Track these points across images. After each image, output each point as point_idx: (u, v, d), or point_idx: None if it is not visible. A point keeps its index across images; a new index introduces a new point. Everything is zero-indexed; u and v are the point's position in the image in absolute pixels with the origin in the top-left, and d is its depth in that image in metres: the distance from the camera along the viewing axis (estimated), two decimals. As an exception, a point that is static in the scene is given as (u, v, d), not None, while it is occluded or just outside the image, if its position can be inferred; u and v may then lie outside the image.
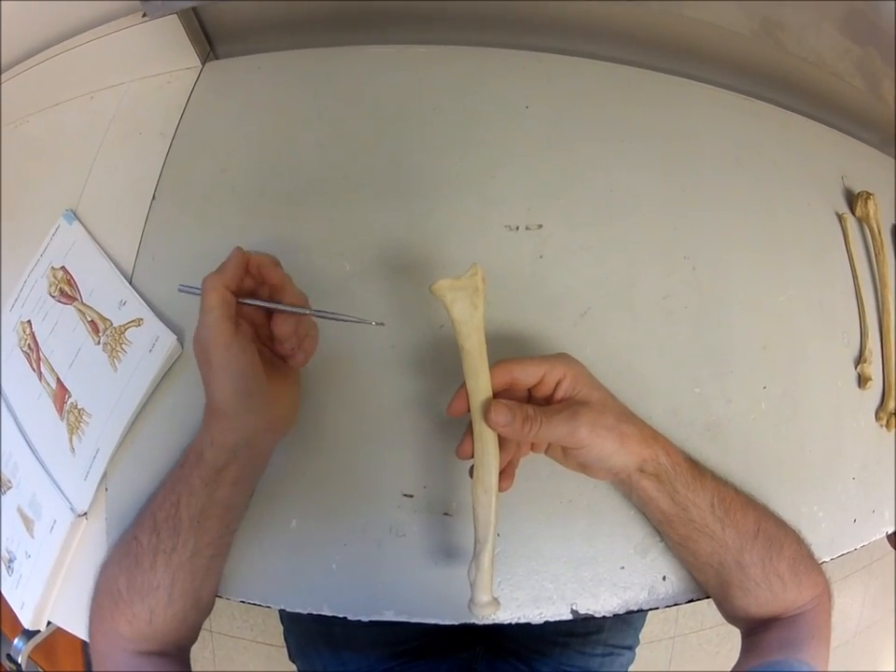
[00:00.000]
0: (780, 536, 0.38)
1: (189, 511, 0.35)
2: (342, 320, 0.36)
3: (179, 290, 0.35)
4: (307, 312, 0.35)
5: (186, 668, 0.38)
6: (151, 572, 0.35)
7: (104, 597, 0.37)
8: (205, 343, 0.33)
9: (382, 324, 0.36)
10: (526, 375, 0.35)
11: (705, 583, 0.40)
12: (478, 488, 0.34)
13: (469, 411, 0.34)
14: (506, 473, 0.36)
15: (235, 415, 0.34)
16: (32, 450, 0.45)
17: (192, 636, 0.39)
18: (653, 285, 0.45)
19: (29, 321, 0.47)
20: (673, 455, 0.37)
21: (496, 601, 0.34)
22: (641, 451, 0.35)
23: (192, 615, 0.38)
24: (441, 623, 0.39)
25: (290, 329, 0.35)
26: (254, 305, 0.35)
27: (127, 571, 0.36)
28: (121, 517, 0.41)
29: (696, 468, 0.37)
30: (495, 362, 0.35)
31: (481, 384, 0.34)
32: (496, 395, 0.34)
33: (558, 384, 0.35)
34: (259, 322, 0.36)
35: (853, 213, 0.52)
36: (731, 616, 0.41)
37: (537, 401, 0.36)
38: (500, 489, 0.35)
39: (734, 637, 0.42)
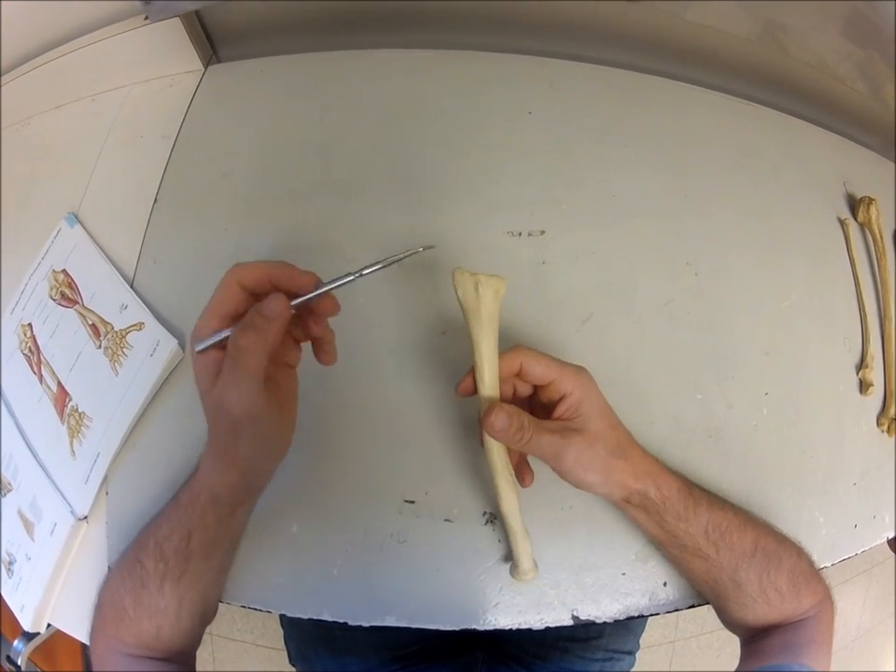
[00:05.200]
0: (779, 551, 0.38)
1: (201, 545, 0.35)
2: (391, 263, 0.31)
3: (197, 351, 0.30)
4: (354, 276, 0.31)
5: (191, 670, 0.38)
6: (159, 594, 0.35)
7: (108, 611, 0.37)
8: (236, 412, 0.29)
9: (432, 247, 0.33)
10: (534, 371, 0.34)
11: (703, 595, 0.40)
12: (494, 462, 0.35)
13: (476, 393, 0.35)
14: (522, 469, 0.37)
15: (255, 467, 0.33)
16: (32, 453, 0.45)
17: (197, 643, 0.39)
18: (656, 290, 0.45)
19: (30, 324, 0.47)
20: (664, 488, 0.36)
21: (535, 566, 0.37)
22: (628, 485, 0.35)
23: (198, 627, 0.38)
24: (443, 628, 0.38)
25: (327, 330, 0.32)
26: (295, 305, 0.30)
27: (133, 592, 0.35)
28: (122, 521, 0.41)
29: (691, 497, 0.36)
30: (512, 346, 0.34)
31: (486, 372, 0.33)
32: (503, 379, 0.34)
33: (563, 397, 0.34)
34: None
35: (855, 218, 0.52)
36: (730, 626, 0.41)
37: (539, 402, 0.36)
38: (524, 485, 0.37)
39: (734, 640, 0.42)
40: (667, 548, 0.38)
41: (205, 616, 0.38)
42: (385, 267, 0.31)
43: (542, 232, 0.45)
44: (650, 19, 0.50)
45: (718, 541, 0.36)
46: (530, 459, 0.38)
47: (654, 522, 0.36)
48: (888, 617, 1.01)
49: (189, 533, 0.34)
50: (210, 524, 0.34)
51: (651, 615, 0.41)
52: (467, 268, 0.33)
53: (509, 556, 0.39)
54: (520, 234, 0.45)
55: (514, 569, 0.37)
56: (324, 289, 0.31)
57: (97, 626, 0.37)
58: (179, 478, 0.39)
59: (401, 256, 0.32)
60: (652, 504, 0.35)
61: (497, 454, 0.35)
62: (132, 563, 0.36)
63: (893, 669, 1.00)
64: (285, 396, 0.34)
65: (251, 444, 0.31)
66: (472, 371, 0.34)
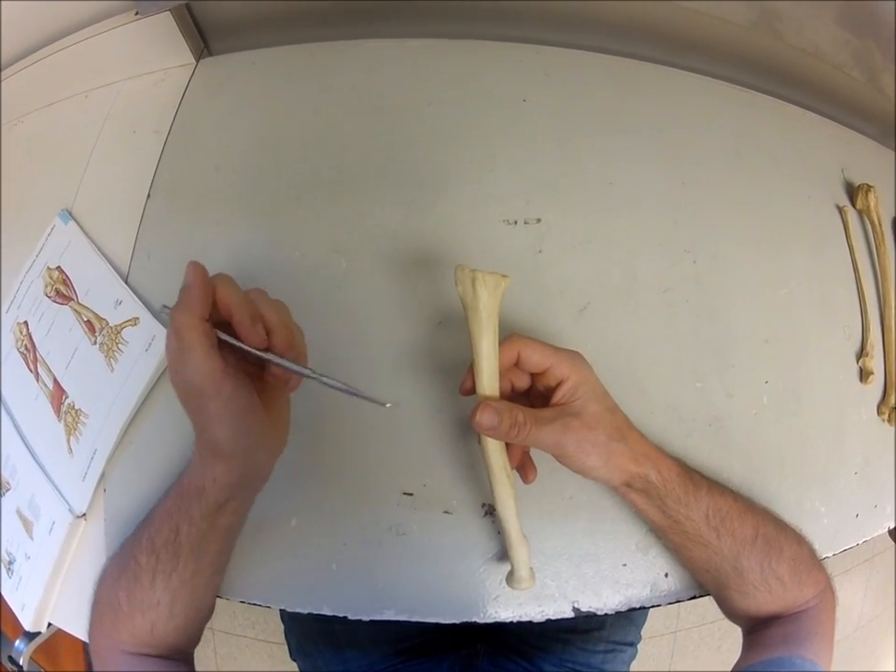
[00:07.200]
0: (780, 538, 0.38)
1: (189, 539, 0.34)
2: (349, 393, 0.32)
3: (161, 311, 0.31)
4: (304, 372, 0.31)
5: (190, 668, 0.38)
6: (151, 590, 0.34)
7: (104, 608, 0.37)
8: (195, 387, 0.29)
9: (397, 405, 0.33)
10: (531, 359, 0.34)
11: (704, 584, 0.40)
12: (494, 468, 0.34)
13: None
14: (526, 465, 0.37)
15: (238, 456, 0.32)
16: (30, 451, 0.45)
17: (195, 641, 0.39)
18: (654, 278, 0.45)
19: (26, 322, 0.47)
20: (665, 471, 0.36)
21: (532, 575, 0.36)
22: (628, 468, 0.35)
23: (193, 625, 0.38)
24: (443, 621, 0.38)
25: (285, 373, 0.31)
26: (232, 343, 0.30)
27: (126, 587, 0.35)
28: (120, 518, 0.41)
29: (691, 481, 0.36)
30: (508, 335, 0.34)
31: (484, 364, 0.33)
32: (503, 371, 0.34)
33: (560, 382, 0.34)
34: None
35: (854, 205, 0.52)
36: (731, 615, 0.40)
37: (537, 392, 0.36)
38: (527, 481, 0.37)
39: (736, 631, 0.41)
40: (669, 535, 0.38)
41: (201, 612, 0.38)
42: (340, 391, 0.32)
43: (538, 221, 0.45)
44: (645, 5, 0.50)
45: (719, 527, 0.36)
46: (532, 451, 0.38)
47: (656, 507, 0.36)
48: (888, 607, 1.01)
49: (178, 527, 0.34)
50: (195, 518, 0.33)
51: (653, 606, 0.41)
52: (466, 260, 0.33)
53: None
54: (515, 223, 0.45)
55: (510, 577, 0.36)
56: (276, 361, 0.31)
57: (94, 624, 0.37)
58: (176, 473, 0.39)
59: (363, 394, 0.32)
60: (654, 488, 0.35)
61: (494, 454, 0.34)
62: (126, 558, 0.35)
63: (894, 661, 1.00)
64: (263, 387, 0.33)
65: (223, 421, 0.30)
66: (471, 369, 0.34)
